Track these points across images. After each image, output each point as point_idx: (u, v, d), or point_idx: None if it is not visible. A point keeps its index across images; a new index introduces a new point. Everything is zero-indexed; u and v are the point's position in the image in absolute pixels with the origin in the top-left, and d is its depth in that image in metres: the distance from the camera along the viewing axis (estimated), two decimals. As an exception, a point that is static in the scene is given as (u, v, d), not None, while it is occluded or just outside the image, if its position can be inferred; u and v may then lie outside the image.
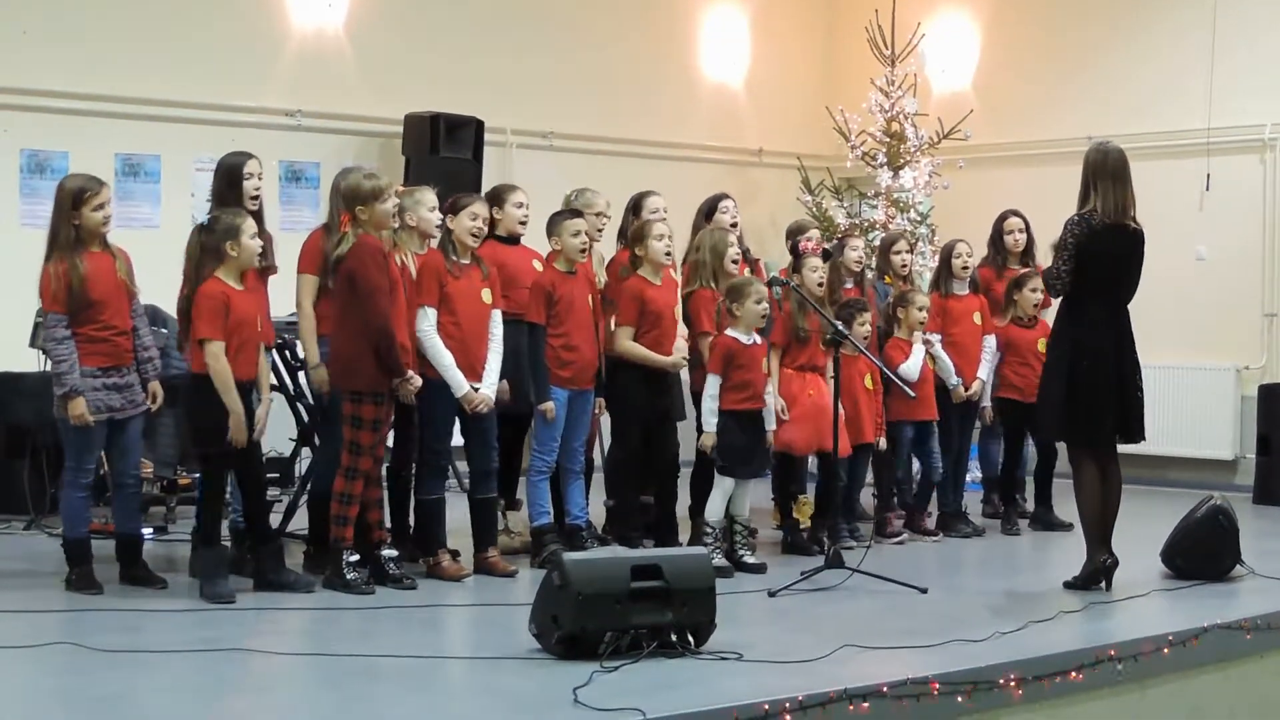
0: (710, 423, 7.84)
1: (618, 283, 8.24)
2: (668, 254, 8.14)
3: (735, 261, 8.27)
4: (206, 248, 7.02)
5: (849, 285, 9.02)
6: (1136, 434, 7.58)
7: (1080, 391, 7.41)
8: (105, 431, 7.15)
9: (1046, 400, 7.62)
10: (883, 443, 8.83)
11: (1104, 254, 7.40)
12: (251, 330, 7.07)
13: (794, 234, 9.16)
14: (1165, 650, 6.48)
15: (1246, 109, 11.65)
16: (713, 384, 7.87)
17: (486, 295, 7.64)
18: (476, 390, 7.52)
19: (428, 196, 7.67)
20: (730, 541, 7.94)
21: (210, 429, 6.98)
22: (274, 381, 7.77)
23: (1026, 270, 9.60)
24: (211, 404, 6.94)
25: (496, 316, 7.69)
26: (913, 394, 8.53)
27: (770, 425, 8.07)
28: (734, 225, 8.67)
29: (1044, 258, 9.14)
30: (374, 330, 7.09)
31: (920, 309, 9.05)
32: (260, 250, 7.12)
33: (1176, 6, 12.11)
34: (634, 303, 8.04)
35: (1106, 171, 7.38)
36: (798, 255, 8.63)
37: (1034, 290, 9.41)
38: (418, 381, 7.30)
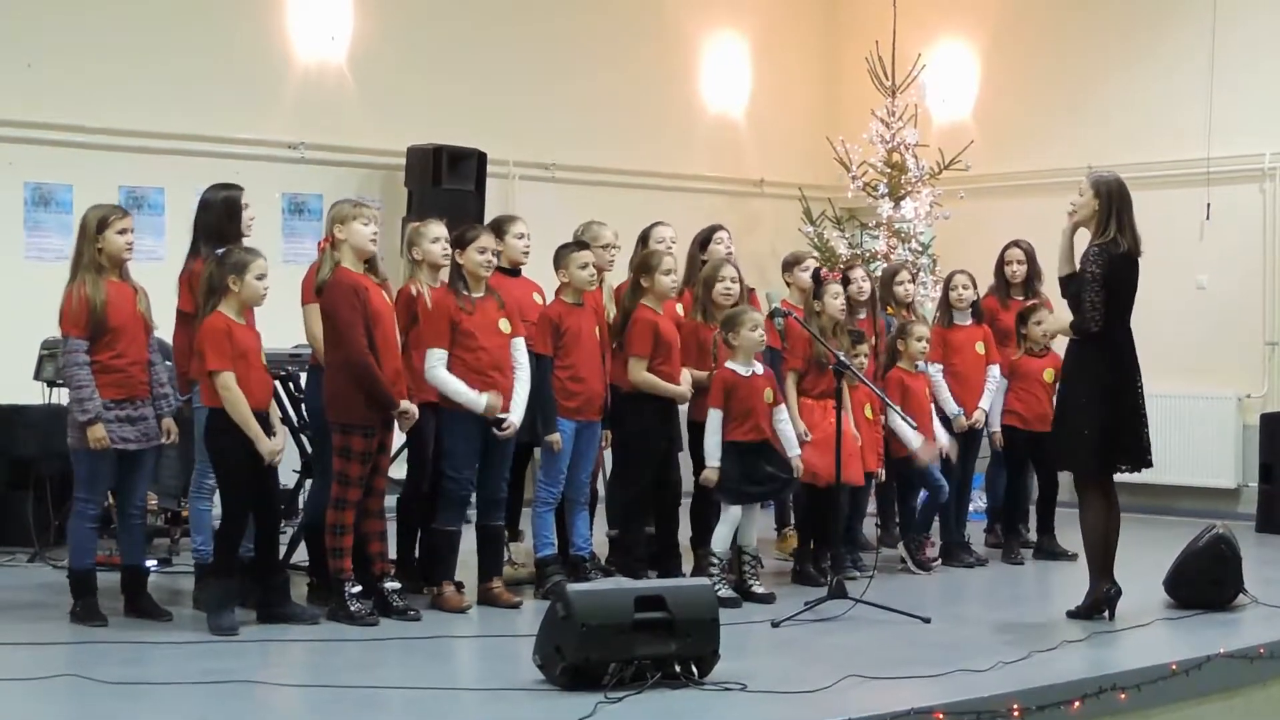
0: (714, 457, 7.84)
1: (624, 312, 8.24)
2: (674, 287, 8.15)
3: (726, 294, 8.24)
4: (214, 281, 7.07)
5: (861, 316, 9.00)
6: (1148, 461, 7.56)
7: (1117, 418, 7.36)
8: (115, 464, 7.17)
9: (1078, 430, 7.43)
10: (883, 473, 8.83)
11: (1125, 282, 7.43)
12: (256, 359, 7.12)
13: (790, 265, 9.14)
14: (1169, 679, 6.48)
15: (1245, 138, 11.68)
16: (715, 419, 7.85)
17: (504, 325, 7.64)
18: (503, 418, 7.54)
19: (433, 229, 7.68)
20: (739, 572, 7.95)
21: (228, 459, 7.03)
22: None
23: (1033, 303, 9.59)
24: (228, 433, 6.98)
25: (520, 344, 7.69)
26: (914, 442, 8.55)
27: (795, 450, 8.03)
28: (729, 256, 8.68)
29: (1050, 287, 9.07)
30: (353, 366, 7.14)
31: (919, 339, 9.03)
32: (265, 290, 7.14)
33: (1175, 37, 12.15)
34: (648, 333, 8.01)
35: (1128, 204, 7.45)
36: (819, 283, 8.63)
37: (1040, 323, 9.39)
38: (413, 410, 7.29)
